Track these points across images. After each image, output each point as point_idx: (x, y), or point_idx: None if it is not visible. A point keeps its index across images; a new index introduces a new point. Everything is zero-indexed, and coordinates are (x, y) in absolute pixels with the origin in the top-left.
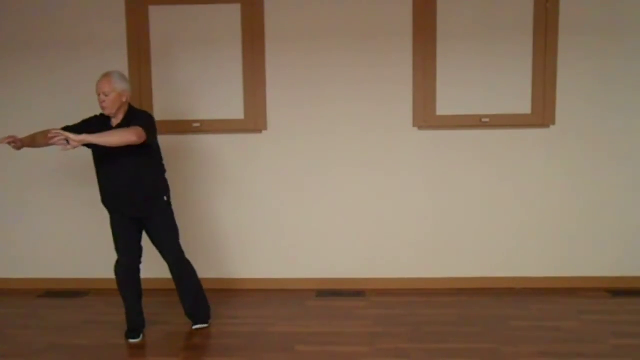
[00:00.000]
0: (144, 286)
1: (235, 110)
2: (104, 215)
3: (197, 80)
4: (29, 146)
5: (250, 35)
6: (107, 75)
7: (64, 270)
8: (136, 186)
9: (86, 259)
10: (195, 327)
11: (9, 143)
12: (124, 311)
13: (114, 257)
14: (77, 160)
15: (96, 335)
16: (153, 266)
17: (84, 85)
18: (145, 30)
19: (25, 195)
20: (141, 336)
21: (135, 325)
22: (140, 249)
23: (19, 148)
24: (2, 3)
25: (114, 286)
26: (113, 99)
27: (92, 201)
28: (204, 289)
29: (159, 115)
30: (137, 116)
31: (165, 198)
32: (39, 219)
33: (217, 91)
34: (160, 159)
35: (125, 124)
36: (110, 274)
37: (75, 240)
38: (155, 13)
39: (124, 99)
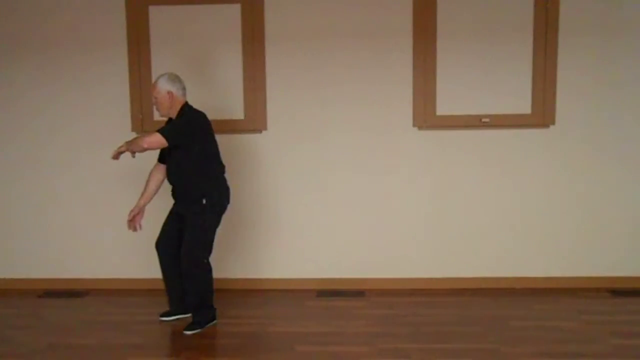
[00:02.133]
0: (147, 286)
1: (235, 110)
2: (104, 216)
3: (196, 81)
4: (150, 199)
5: (250, 36)
6: (156, 79)
7: (64, 270)
8: (178, 184)
9: (86, 259)
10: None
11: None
12: (124, 311)
13: (114, 257)
14: (74, 161)
15: (96, 335)
16: (153, 266)
17: (84, 85)
18: (145, 30)
19: (24, 196)
20: (173, 318)
21: (172, 309)
22: (176, 245)
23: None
24: (2, 3)
25: (114, 286)
26: (161, 101)
27: (92, 201)
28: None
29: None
30: (175, 118)
31: (204, 201)
32: (38, 219)
33: (217, 91)
34: (208, 160)
35: None
36: (110, 274)
37: (75, 240)
38: (155, 13)
39: (172, 99)
